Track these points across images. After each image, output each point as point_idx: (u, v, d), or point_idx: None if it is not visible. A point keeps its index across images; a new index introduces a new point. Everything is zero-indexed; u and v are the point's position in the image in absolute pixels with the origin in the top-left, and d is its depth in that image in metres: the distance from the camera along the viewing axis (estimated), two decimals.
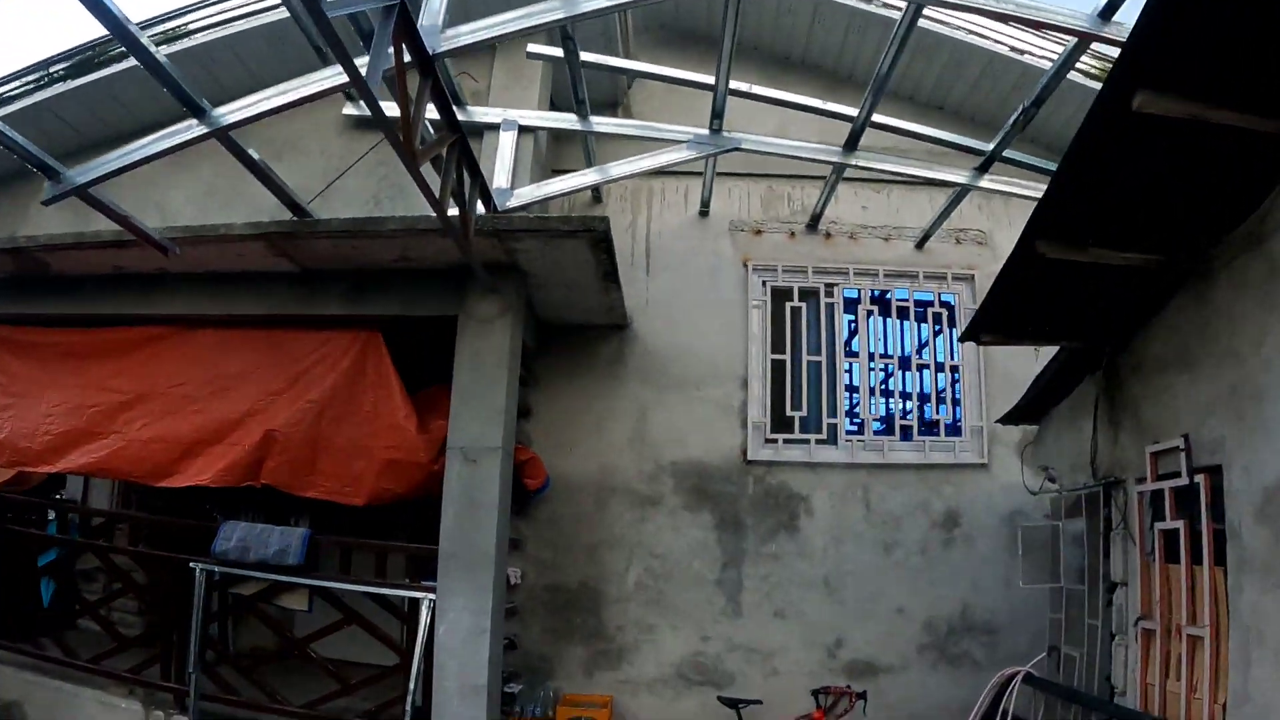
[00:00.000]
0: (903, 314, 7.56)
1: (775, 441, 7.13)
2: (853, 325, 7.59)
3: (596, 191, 7.66)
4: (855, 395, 7.40)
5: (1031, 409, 6.16)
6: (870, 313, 7.48)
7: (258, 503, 7.30)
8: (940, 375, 7.56)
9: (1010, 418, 6.45)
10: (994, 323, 4.97)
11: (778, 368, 7.29)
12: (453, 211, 4.65)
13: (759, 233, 7.61)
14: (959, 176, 6.52)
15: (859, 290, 7.46)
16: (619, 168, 6.48)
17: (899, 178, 7.16)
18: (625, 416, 7.16)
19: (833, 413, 7.22)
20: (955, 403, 7.39)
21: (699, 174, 7.30)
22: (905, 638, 6.78)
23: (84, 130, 8.03)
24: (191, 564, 5.94)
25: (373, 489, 5.99)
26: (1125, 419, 4.85)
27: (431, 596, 5.47)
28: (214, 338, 6.59)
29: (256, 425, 6.19)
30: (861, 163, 6.37)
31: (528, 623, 6.83)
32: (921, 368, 7.56)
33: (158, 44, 4.61)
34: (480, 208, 5.14)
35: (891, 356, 7.56)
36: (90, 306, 6.78)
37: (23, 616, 6.75)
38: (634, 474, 7.03)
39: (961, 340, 4.97)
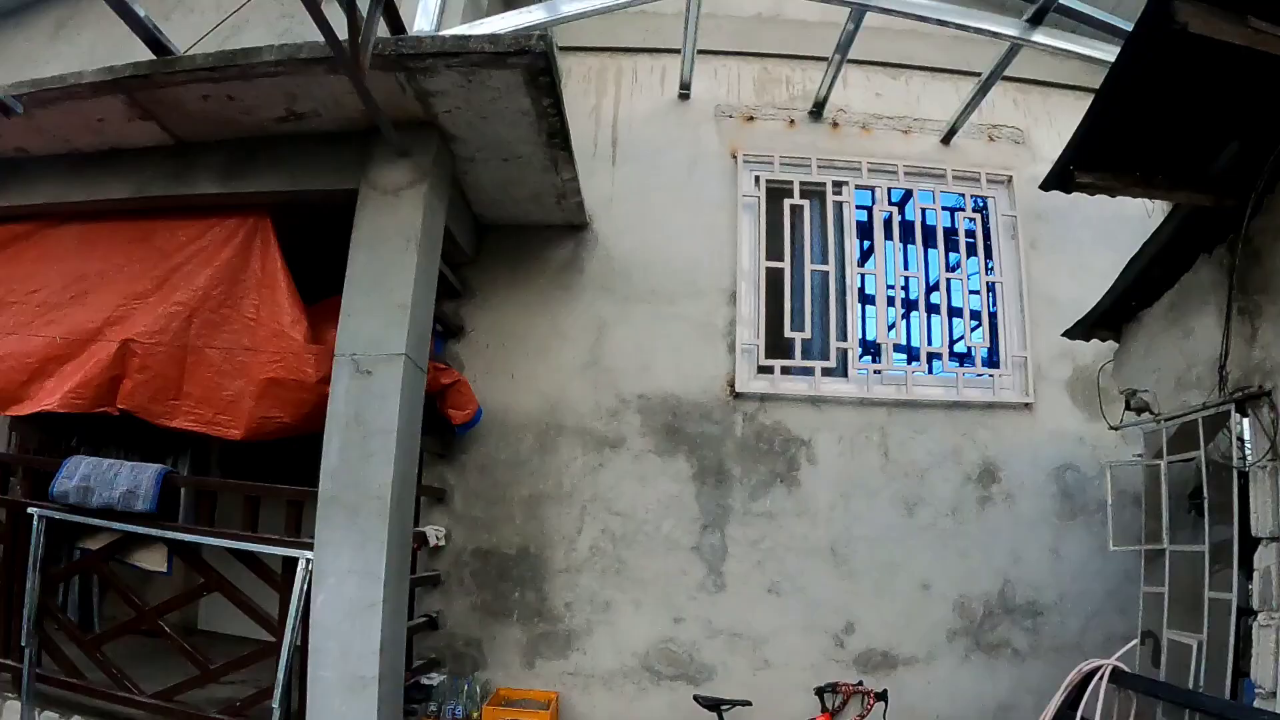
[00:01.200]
0: (927, 219, 6.16)
1: (770, 371, 5.68)
2: (867, 231, 6.15)
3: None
4: (870, 314, 5.97)
5: (1114, 312, 4.74)
6: (888, 216, 6.05)
7: (136, 440, 6.03)
8: (974, 297, 6.15)
9: (1082, 328, 5.05)
10: (1095, 156, 3.56)
11: (774, 279, 5.86)
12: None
13: (751, 119, 6.18)
14: (1008, 29, 5.18)
15: (874, 190, 6.05)
16: (573, 3, 5.11)
17: (920, 64, 6.19)
18: (579, 336, 5.74)
19: (842, 335, 5.79)
20: (992, 329, 5.99)
21: (677, 51, 5.98)
22: (931, 621, 5.35)
23: None
24: (29, 509, 4.68)
25: (251, 417, 4.67)
26: (1268, 305, 3.47)
27: (308, 555, 4.12)
28: (77, 233, 5.38)
29: (113, 336, 4.94)
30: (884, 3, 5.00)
31: (452, 596, 5.43)
32: (951, 283, 6.10)
33: None
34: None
35: (914, 270, 6.16)
36: None
37: None
38: (589, 409, 5.62)
39: (1044, 187, 3.51)
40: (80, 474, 4.64)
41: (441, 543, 5.37)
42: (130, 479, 4.57)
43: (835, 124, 6.15)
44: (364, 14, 3.67)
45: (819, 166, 5.99)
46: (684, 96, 6.20)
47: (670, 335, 5.69)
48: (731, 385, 5.61)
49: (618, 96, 6.26)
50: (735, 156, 6.03)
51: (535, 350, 5.71)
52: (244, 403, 4.67)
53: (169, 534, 4.54)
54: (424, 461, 5.46)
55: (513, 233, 5.87)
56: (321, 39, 3.49)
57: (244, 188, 4.83)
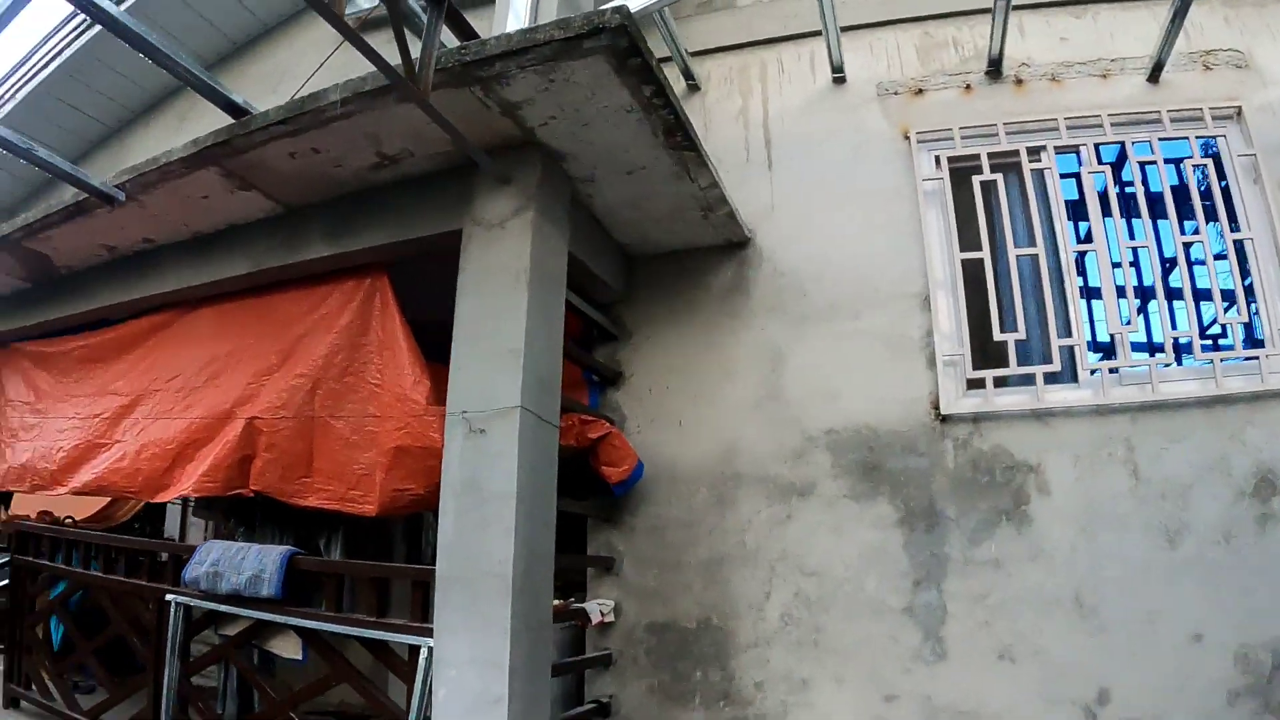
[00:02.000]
0: (1149, 181, 4.92)
1: (981, 385, 4.64)
2: (1079, 203, 5.02)
3: (690, 74, 5.60)
4: (1096, 303, 4.86)
5: None
6: (1102, 182, 4.88)
7: (292, 518, 5.77)
8: (1219, 264, 4.87)
9: None
10: None
11: (972, 274, 4.81)
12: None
13: (919, 93, 5.23)
14: None
15: (1079, 151, 4.92)
16: None
17: None
18: (752, 369, 4.93)
19: (1065, 331, 4.66)
20: (1248, 299, 4.68)
21: (822, 33, 5.19)
22: (1206, 680, 4.07)
23: None
24: (167, 595, 4.67)
25: (383, 490, 4.25)
26: None
27: (429, 642, 3.59)
28: (210, 315, 5.32)
29: (242, 416, 4.74)
30: None
31: (626, 679, 4.71)
32: (1190, 251, 4.87)
33: None
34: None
35: (1143, 240, 4.90)
36: (97, 301, 5.81)
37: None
38: (769, 452, 4.78)
39: None
40: (211, 559, 4.48)
41: (610, 618, 4.72)
42: (256, 563, 4.32)
43: (1019, 80, 5.11)
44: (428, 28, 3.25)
45: (1007, 133, 4.95)
46: (839, 80, 5.36)
47: (857, 355, 4.79)
48: (936, 407, 4.62)
49: (764, 94, 5.52)
50: (907, 137, 5.10)
51: (703, 390, 4.97)
52: (375, 475, 4.27)
53: (291, 620, 4.22)
54: (588, 528, 4.94)
55: (665, 261, 5.22)
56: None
57: (352, 246, 4.48)
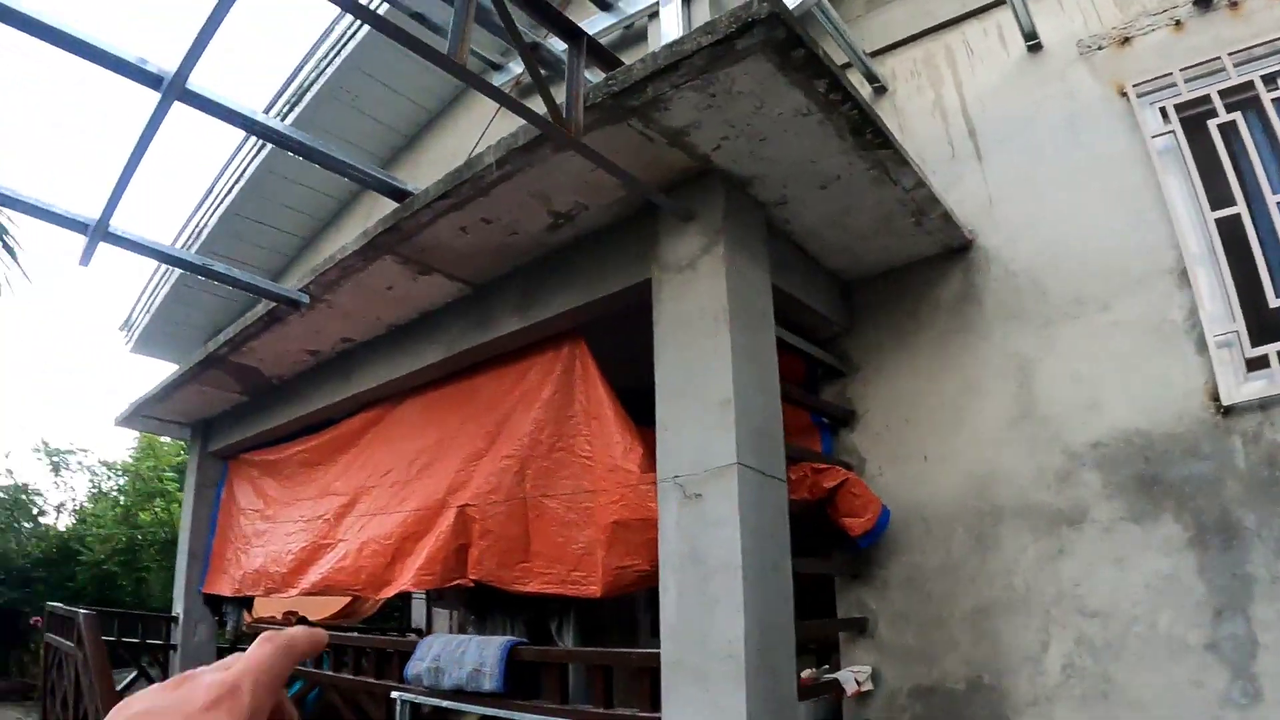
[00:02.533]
0: None
1: (1264, 363, 3.77)
2: None
3: (873, 77, 5.11)
4: None
5: None
6: None
7: (522, 604, 5.62)
8: None
9: None
10: None
11: (1229, 233, 3.97)
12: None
13: (1125, 41, 4.47)
14: None
15: None
16: None
17: None
18: (997, 387, 4.28)
19: None
20: None
21: (1005, 1, 4.62)
22: None
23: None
24: (392, 693, 4.59)
25: (606, 569, 3.94)
26: None
27: None
28: (416, 406, 5.32)
29: (453, 504, 4.63)
30: None
31: None
32: None
33: None
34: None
35: None
36: (309, 405, 5.99)
37: None
38: (1029, 478, 4.11)
39: None
40: (433, 654, 4.35)
41: (868, 686, 4.18)
42: (477, 656, 4.14)
43: (1232, 4, 4.29)
44: (572, 69, 2.97)
45: (1235, 65, 4.12)
46: (1034, 48, 4.71)
47: (1114, 352, 4.05)
48: (1215, 398, 3.80)
49: (956, 80, 4.95)
50: (1124, 94, 4.36)
51: (946, 418, 4.38)
52: (596, 554, 3.98)
53: (514, 714, 3.94)
54: (836, 587, 4.45)
55: (884, 282, 4.70)
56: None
57: (543, 315, 4.26)
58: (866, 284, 4.74)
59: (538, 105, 2.76)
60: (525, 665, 4.07)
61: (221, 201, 8.00)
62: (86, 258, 3.35)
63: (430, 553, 4.55)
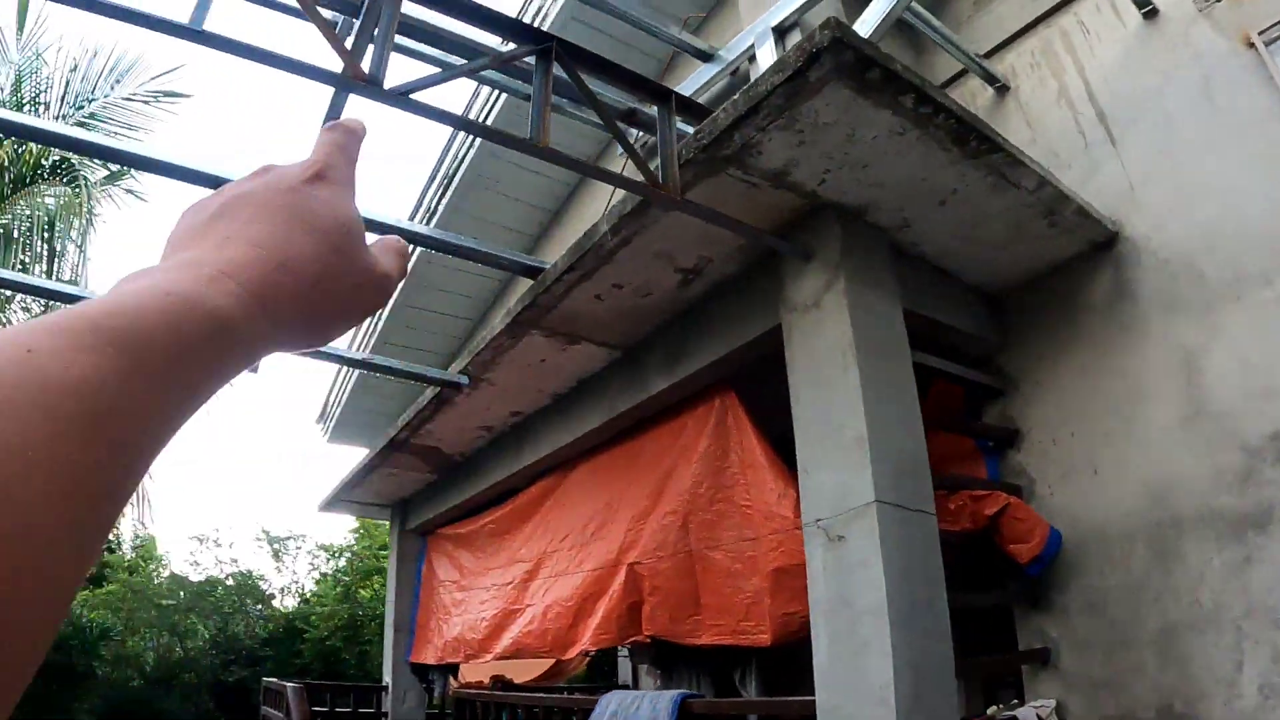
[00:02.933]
0: None
1: None
2: None
3: (992, 78, 4.94)
4: None
5: None
6: None
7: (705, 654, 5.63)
8: None
9: None
10: None
11: None
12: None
13: None
14: None
15: None
16: None
17: None
18: (1162, 385, 3.92)
19: None
20: None
21: None
22: None
23: None
24: None
25: (773, 617, 3.92)
26: None
27: None
28: (587, 471, 5.54)
29: (624, 563, 4.77)
30: None
31: None
32: None
33: None
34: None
35: None
36: (491, 478, 6.33)
37: None
38: (1206, 480, 3.71)
39: None
40: (610, 710, 4.39)
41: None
42: (650, 711, 4.15)
43: None
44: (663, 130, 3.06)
45: None
46: (1149, 15, 4.36)
47: None
48: None
49: (1077, 64, 4.68)
50: (1251, 44, 3.96)
51: (1112, 426, 4.05)
52: (763, 602, 3.97)
53: None
54: (1014, 616, 4.21)
55: (1030, 292, 4.46)
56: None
57: (689, 370, 4.33)
58: (1014, 295, 4.50)
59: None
60: (696, 718, 4.06)
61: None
62: (254, 366, 3.69)
63: (605, 612, 4.68)
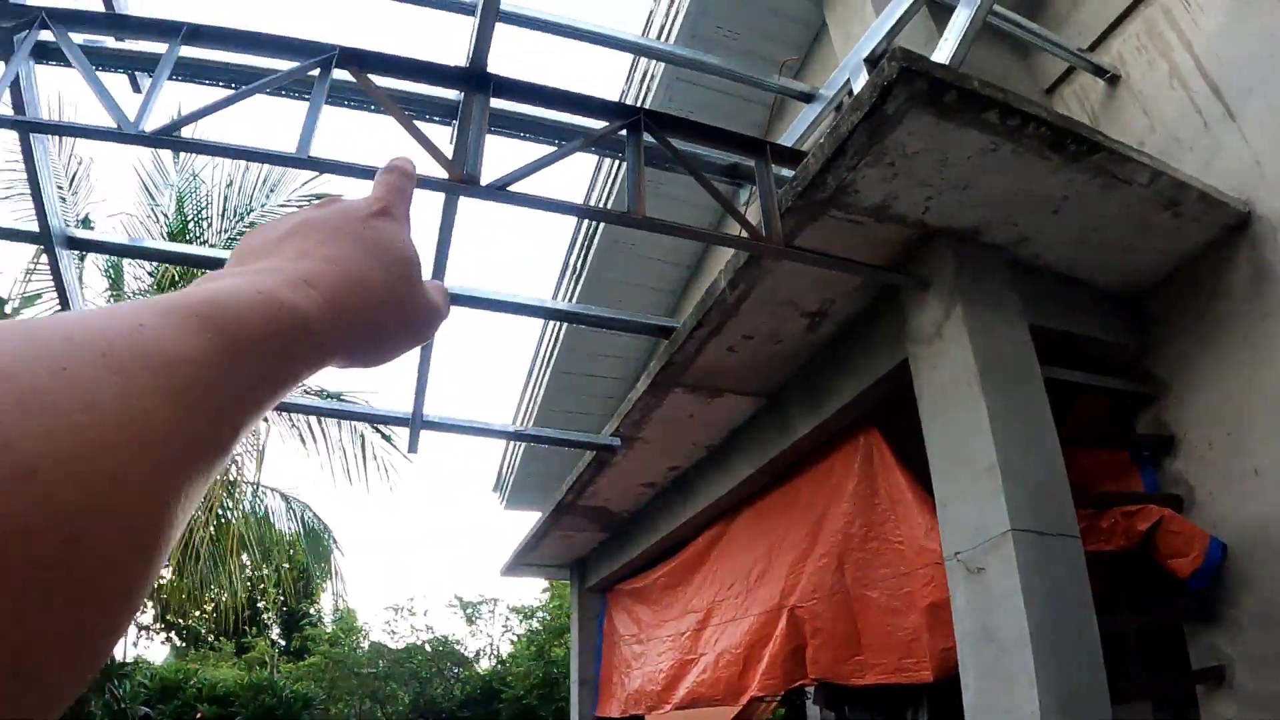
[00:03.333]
0: None
1: None
2: None
3: (1100, 70, 4.73)
4: None
5: None
6: None
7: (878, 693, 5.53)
8: None
9: None
10: None
11: None
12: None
13: None
14: None
15: None
16: None
17: None
18: None
19: None
20: None
21: None
22: None
23: None
24: None
25: (932, 653, 3.87)
26: None
27: None
28: (747, 519, 5.64)
29: (785, 607, 4.82)
30: None
31: None
32: None
33: None
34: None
35: None
36: (658, 532, 6.51)
37: None
38: None
39: None
40: None
41: None
42: None
43: None
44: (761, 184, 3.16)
45: None
46: None
47: None
48: None
49: (1182, 39, 4.39)
50: None
51: (1270, 421, 3.77)
52: (921, 638, 3.93)
53: None
54: (1185, 633, 3.96)
55: (1167, 288, 4.17)
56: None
57: (829, 410, 4.37)
58: (1151, 294, 4.24)
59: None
60: None
61: (546, 367, 9.00)
62: (413, 445, 4.00)
63: (770, 657, 4.73)
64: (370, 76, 2.94)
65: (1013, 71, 5.06)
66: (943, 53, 3.69)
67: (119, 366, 0.30)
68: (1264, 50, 4.01)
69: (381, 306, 0.49)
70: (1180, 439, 4.10)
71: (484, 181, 2.52)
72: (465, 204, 3.09)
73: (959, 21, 3.76)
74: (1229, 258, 3.98)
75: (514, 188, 2.64)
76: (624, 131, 2.99)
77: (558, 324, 8.50)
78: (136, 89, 3.41)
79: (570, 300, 8.24)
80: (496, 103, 2.83)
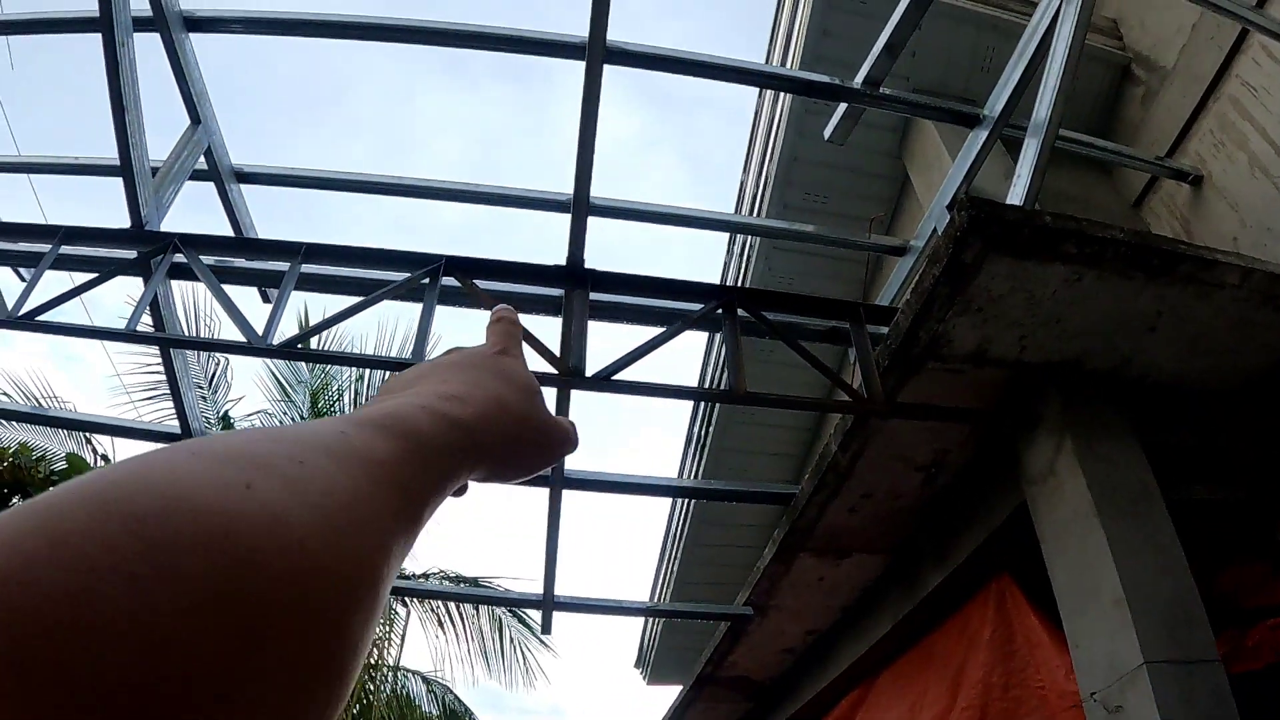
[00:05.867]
0: None
1: None
2: None
3: (1182, 174, 4.77)
4: None
5: None
6: None
7: None
8: None
9: None
10: None
11: None
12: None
13: None
14: None
15: None
16: None
17: None
18: None
19: None
20: None
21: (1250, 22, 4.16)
22: None
23: None
24: None
25: None
26: None
27: None
28: (888, 678, 5.49)
29: None
30: None
31: None
32: None
33: None
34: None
35: None
36: (802, 697, 6.32)
37: None
38: None
39: None
40: None
41: None
42: None
43: None
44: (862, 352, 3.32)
45: None
46: None
47: None
48: None
49: (1256, 125, 4.45)
50: None
51: None
52: None
53: None
54: None
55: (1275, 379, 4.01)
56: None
57: (958, 560, 4.36)
58: (1270, 391, 4.12)
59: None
60: None
61: (679, 541, 9.12)
62: (546, 626, 4.14)
63: None
64: (475, 282, 3.27)
65: (1096, 191, 5.17)
66: (1017, 189, 3.82)
67: (340, 462, 0.36)
68: None
69: (520, 423, 0.55)
70: None
71: (589, 372, 2.75)
72: (579, 394, 3.35)
73: (1029, 154, 3.89)
74: None
75: (620, 376, 2.88)
76: (719, 311, 3.21)
77: (686, 505, 8.67)
78: (266, 300, 3.84)
79: (697, 471, 8.39)
80: (597, 295, 3.11)
